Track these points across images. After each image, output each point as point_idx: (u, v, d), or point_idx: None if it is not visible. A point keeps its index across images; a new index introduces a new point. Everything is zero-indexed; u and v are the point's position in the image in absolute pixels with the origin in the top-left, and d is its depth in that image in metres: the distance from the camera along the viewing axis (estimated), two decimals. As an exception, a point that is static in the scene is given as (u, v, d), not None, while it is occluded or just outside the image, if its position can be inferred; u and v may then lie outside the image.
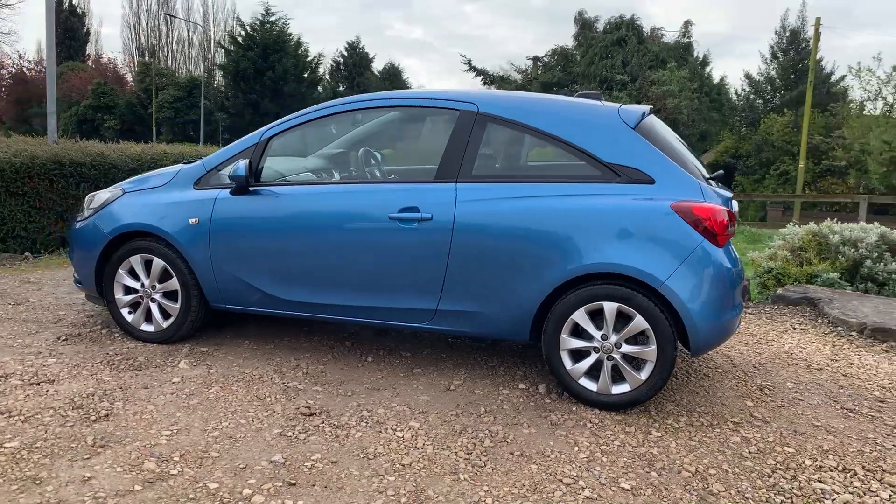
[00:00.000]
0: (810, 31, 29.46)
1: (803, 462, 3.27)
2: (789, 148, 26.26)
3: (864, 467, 3.24)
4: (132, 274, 4.44)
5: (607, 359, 3.65)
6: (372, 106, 4.27)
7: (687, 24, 32.49)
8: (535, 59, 36.02)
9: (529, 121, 3.85)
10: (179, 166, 4.55)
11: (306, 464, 3.02)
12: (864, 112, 26.23)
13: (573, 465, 3.12)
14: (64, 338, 4.52)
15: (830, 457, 3.33)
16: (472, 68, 38.21)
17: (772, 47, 29.41)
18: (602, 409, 3.70)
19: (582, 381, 3.72)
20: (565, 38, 62.36)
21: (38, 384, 3.71)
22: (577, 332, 3.70)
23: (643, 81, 28.58)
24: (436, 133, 4.24)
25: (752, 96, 29.19)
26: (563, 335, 3.70)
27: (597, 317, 3.66)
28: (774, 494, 2.97)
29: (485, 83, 38.81)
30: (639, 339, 3.62)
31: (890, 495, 3.00)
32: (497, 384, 4.01)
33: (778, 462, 3.26)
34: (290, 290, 4.13)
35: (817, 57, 26.16)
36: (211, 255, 4.20)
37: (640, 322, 3.56)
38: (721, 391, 4.10)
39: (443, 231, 3.78)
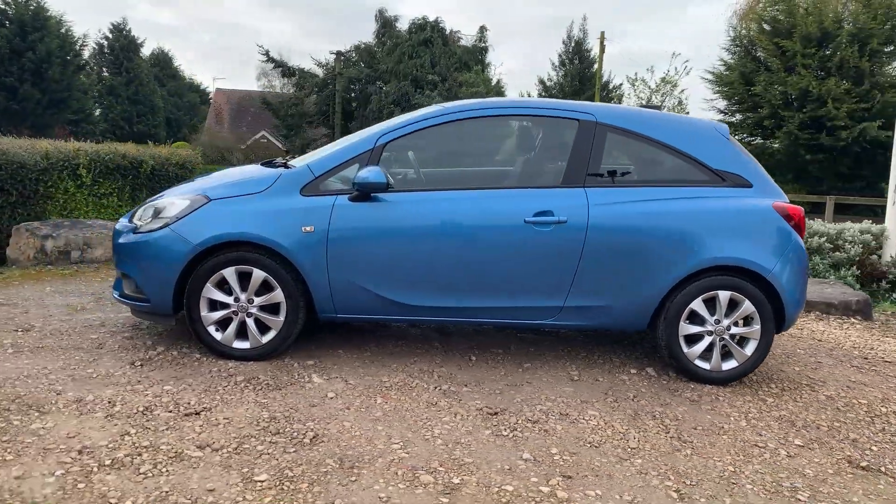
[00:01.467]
0: (590, 42, 33.06)
1: (876, 408, 4.11)
2: (582, 147, 29.40)
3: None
4: (221, 288, 4.10)
5: (719, 340, 4.22)
6: (494, 114, 4.40)
7: (482, 29, 34.60)
8: (339, 53, 35.95)
9: (645, 131, 4.29)
10: (277, 171, 4.27)
11: (554, 458, 3.19)
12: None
13: (749, 431, 3.64)
14: (139, 363, 4.04)
15: (883, 403, 4.23)
16: (270, 59, 37.08)
17: (560, 55, 32.54)
18: (713, 384, 4.26)
19: (696, 362, 4.25)
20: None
21: (197, 414, 3.37)
22: (693, 318, 4.22)
23: (452, 82, 29.98)
24: (553, 141, 4.48)
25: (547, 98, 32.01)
26: (682, 322, 4.20)
27: (709, 304, 4.21)
28: (888, 435, 3.75)
29: (285, 75, 37.94)
30: (746, 320, 4.24)
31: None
32: (611, 371, 4.40)
33: (865, 410, 4.07)
34: (416, 296, 4.14)
35: (597, 66, 29.49)
36: (328, 264, 4.05)
37: (748, 307, 4.18)
38: (769, 365, 4.86)
39: (577, 233, 4.08)
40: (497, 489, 2.88)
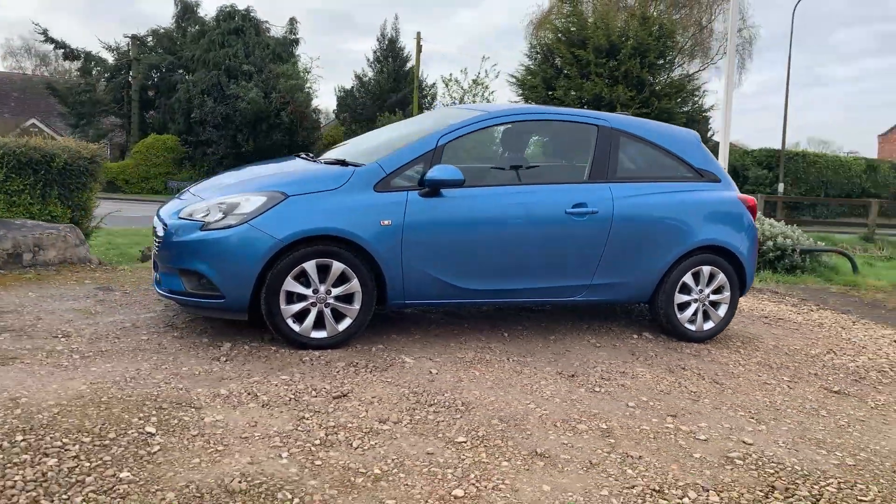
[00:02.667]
0: (403, 41, 34.10)
1: (810, 352, 5.40)
2: (400, 142, 30.40)
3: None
4: (298, 280, 4.27)
5: (702, 306, 5.24)
6: (533, 119, 4.99)
7: (293, 21, 34.15)
8: (134, 37, 33.34)
9: (646, 136, 5.16)
10: (348, 168, 4.47)
11: (650, 404, 3.93)
12: (449, 114, 31.81)
13: (752, 374, 4.67)
14: (223, 358, 4.08)
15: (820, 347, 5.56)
16: (50, 39, 33.35)
17: (375, 52, 33.17)
18: (697, 342, 5.26)
19: (686, 325, 5.23)
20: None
21: (344, 395, 3.61)
22: (683, 289, 5.19)
23: (269, 74, 29.32)
24: (579, 143, 5.15)
25: (364, 96, 32.46)
26: (676, 293, 5.15)
27: (695, 277, 5.20)
28: (831, 369, 5.01)
29: (67, 58, 34.35)
30: (718, 289, 5.29)
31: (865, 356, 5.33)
32: (620, 338, 5.22)
33: (804, 354, 5.33)
34: (474, 281, 4.63)
35: (413, 65, 30.66)
36: (402, 255, 4.39)
37: (722, 278, 5.25)
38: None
39: (605, 221, 4.84)
40: (637, 429, 3.54)
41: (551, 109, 5.19)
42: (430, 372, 4.09)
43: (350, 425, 3.28)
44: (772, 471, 3.20)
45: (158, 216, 4.65)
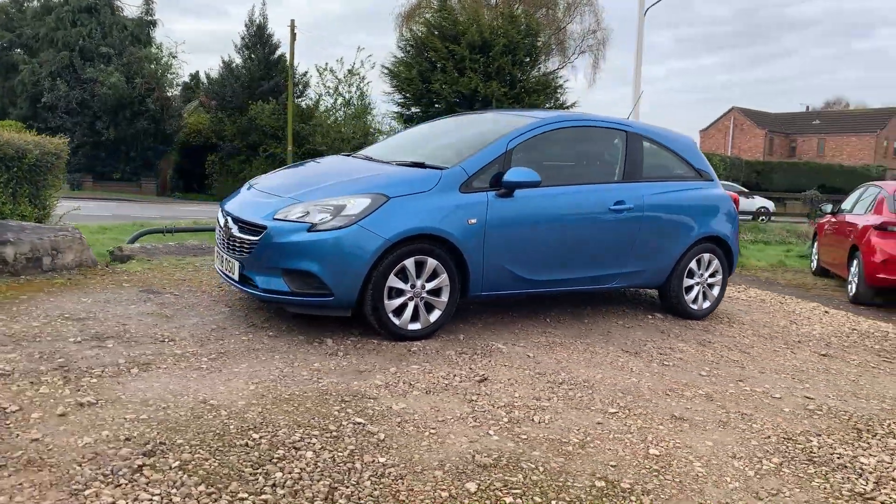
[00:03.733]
0: (272, 28, 33.12)
1: (785, 327, 6.43)
2: (275, 132, 29.60)
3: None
4: (399, 276, 4.53)
5: (701, 288, 6.08)
6: (579, 125, 5.50)
7: (149, 0, 32.12)
8: (-39, 11, 29.81)
9: (661, 140, 5.88)
10: (436, 171, 4.75)
11: (713, 373, 4.64)
12: (322, 103, 31.52)
13: (762, 345, 5.55)
14: (340, 353, 4.27)
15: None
16: None
17: (243, 38, 31.95)
18: (698, 319, 6.09)
19: (691, 305, 6.05)
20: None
21: (486, 379, 3.97)
22: (689, 274, 6.00)
23: (131, 58, 27.44)
24: (611, 146, 5.72)
25: (234, 84, 31.19)
26: (685, 277, 5.95)
27: (698, 262, 6.03)
28: (811, 339, 6.05)
29: None
30: (713, 272, 6.15)
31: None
32: (638, 319, 5.92)
33: (782, 327, 6.35)
34: (539, 272, 5.11)
35: (287, 52, 30.01)
36: (484, 251, 4.78)
37: (717, 263, 6.11)
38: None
39: (637, 216, 5.51)
40: (728, 393, 4.23)
41: (590, 116, 5.76)
42: (528, 356, 4.54)
43: (517, 404, 3.67)
44: (845, 417, 4.01)
45: (232, 214, 4.69)
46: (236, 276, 4.61)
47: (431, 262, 4.60)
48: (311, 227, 4.35)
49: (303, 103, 31.86)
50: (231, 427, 3.07)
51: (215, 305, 5.03)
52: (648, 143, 5.82)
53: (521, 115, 5.66)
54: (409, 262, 4.53)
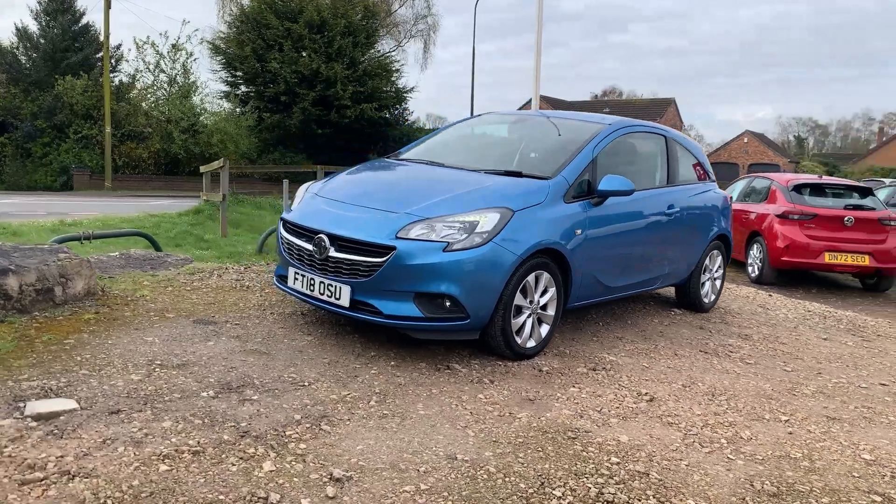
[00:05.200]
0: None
1: (779, 314, 7.09)
2: (88, 112, 26.26)
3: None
4: (522, 293, 4.34)
5: (711, 283, 6.50)
6: (640, 130, 5.55)
7: None
8: None
9: (685, 143, 6.14)
10: (545, 181, 4.53)
11: (787, 366, 5.02)
12: (140, 80, 28.63)
13: (785, 333, 6.08)
14: (487, 380, 4.01)
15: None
16: None
17: (40, 2, 27.75)
18: (706, 311, 6.51)
19: (704, 299, 6.44)
20: None
21: (652, 399, 3.95)
22: (705, 270, 6.37)
23: None
24: (657, 151, 5.80)
25: (32, 55, 27.02)
26: (702, 273, 6.32)
27: (709, 259, 6.43)
28: (805, 328, 6.74)
29: None
30: (718, 268, 6.59)
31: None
32: (667, 317, 6.19)
33: (778, 315, 6.98)
34: (617, 279, 5.15)
35: (95, 21, 26.73)
36: (584, 261, 4.72)
37: (720, 258, 6.56)
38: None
39: (678, 220, 5.74)
40: (831, 386, 4.59)
41: (639, 121, 5.83)
42: (644, 366, 4.58)
43: (709, 422, 3.70)
44: (931, 399, 4.54)
45: (326, 231, 4.18)
46: (345, 302, 4.11)
47: (545, 277, 4.44)
48: (447, 247, 4.00)
49: (117, 79, 28.68)
50: (500, 480, 2.77)
51: (294, 334, 4.45)
52: (679, 147, 6.06)
53: (582, 119, 5.61)
54: (531, 278, 4.34)
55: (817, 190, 10.21)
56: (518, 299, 4.28)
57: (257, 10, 28.40)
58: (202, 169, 14.44)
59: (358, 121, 28.25)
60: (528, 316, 4.40)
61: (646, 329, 5.60)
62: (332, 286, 4.17)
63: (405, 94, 31.62)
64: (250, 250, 9.30)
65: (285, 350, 4.13)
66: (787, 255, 9.74)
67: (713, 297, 6.57)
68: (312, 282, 4.27)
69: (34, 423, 2.88)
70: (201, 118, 27.57)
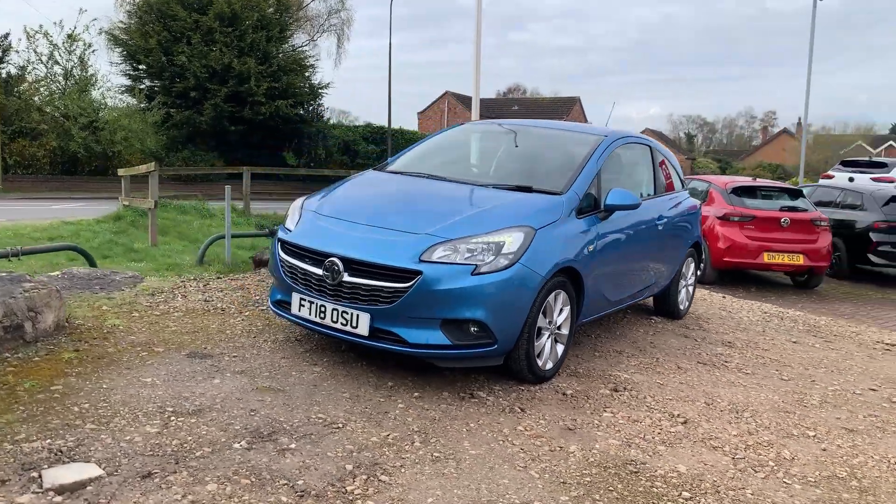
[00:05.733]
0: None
1: (749, 318, 7.27)
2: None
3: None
4: (543, 313, 4.19)
5: (685, 289, 6.58)
6: (634, 142, 5.48)
7: None
8: None
9: (665, 154, 6.16)
10: (558, 197, 4.37)
11: (808, 371, 5.13)
12: (31, 72, 26.52)
13: (757, 337, 6.23)
14: (519, 408, 3.83)
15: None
16: None
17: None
18: (681, 318, 6.59)
19: (680, 306, 6.51)
20: None
21: (686, 422, 3.90)
22: (682, 277, 6.44)
23: None
24: (642, 162, 5.75)
25: None
26: (680, 280, 6.39)
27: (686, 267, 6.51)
28: (783, 330, 6.94)
29: None
30: (692, 275, 6.69)
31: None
32: (647, 327, 6.21)
33: (751, 318, 7.16)
34: (616, 292, 5.09)
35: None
36: (594, 277, 4.62)
37: (693, 265, 6.66)
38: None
39: (666, 229, 5.76)
40: (828, 395, 4.70)
41: (629, 132, 5.78)
42: (658, 382, 4.53)
43: (749, 444, 3.68)
44: (921, 404, 4.73)
45: (339, 255, 3.88)
46: (364, 331, 3.82)
47: (562, 296, 4.31)
48: (475, 270, 3.78)
49: (4, 71, 26.41)
50: (617, 534, 2.62)
51: (299, 364, 4.11)
52: (661, 157, 6.08)
53: (575, 130, 5.51)
54: (551, 298, 4.20)
55: (753, 192, 10.62)
56: (540, 320, 4.12)
57: (162, 1, 26.88)
58: (122, 172, 13.47)
59: (273, 117, 27.28)
60: (548, 337, 4.26)
61: (637, 340, 5.58)
62: (347, 314, 3.87)
63: (320, 91, 30.84)
64: (189, 261, 8.73)
65: (298, 385, 3.80)
66: (729, 255, 10.07)
67: (687, 303, 6.66)
68: (323, 309, 3.95)
69: (59, 498, 2.47)
70: (101, 114, 25.81)
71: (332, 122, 33.47)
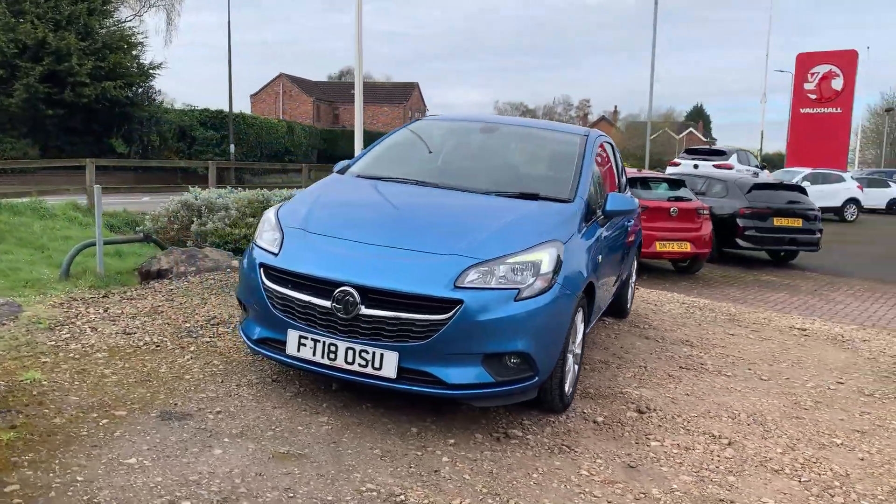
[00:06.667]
0: None
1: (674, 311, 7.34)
2: None
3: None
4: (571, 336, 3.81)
5: (631, 287, 6.51)
6: (606, 141, 5.14)
7: None
8: None
9: (617, 151, 5.97)
10: (570, 206, 3.96)
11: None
12: None
13: (717, 331, 6.29)
14: (567, 447, 3.44)
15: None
16: None
17: None
18: (625, 317, 6.52)
19: (628, 306, 6.42)
20: None
21: (730, 444, 3.71)
22: (630, 277, 6.34)
23: None
24: (608, 162, 5.43)
25: None
26: (629, 279, 6.28)
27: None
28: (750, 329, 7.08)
29: None
30: (635, 269, 6.63)
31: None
32: (605, 328, 6.05)
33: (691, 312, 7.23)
34: (605, 298, 4.85)
35: None
36: (598, 287, 4.31)
37: (635, 263, 6.61)
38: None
39: (629, 227, 5.61)
40: (809, 393, 4.77)
41: (599, 131, 5.47)
42: (670, 397, 4.33)
43: (814, 471, 3.55)
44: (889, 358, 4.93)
45: (353, 283, 3.25)
46: (390, 373, 3.22)
47: (580, 314, 3.96)
48: (518, 295, 3.31)
49: None
50: None
51: (300, 416, 3.42)
52: (618, 154, 5.89)
53: (553, 128, 5.12)
54: (578, 318, 3.83)
55: (644, 183, 10.93)
56: (569, 344, 3.74)
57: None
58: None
59: (99, 100, 24.46)
60: (572, 360, 3.89)
61: (607, 346, 5.39)
62: (366, 353, 3.24)
63: (151, 71, 28.12)
64: (49, 275, 7.34)
65: (315, 444, 3.13)
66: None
67: (631, 301, 6.60)
68: (333, 348, 3.29)
69: None
70: None
71: (164, 105, 30.70)
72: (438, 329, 3.18)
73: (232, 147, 29.74)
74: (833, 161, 27.75)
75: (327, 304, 3.27)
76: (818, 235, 12.14)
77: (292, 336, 3.37)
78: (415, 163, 4.69)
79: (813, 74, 29.61)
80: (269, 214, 3.90)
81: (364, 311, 3.22)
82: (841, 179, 24.22)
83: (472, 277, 3.30)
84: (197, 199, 8.20)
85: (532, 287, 3.36)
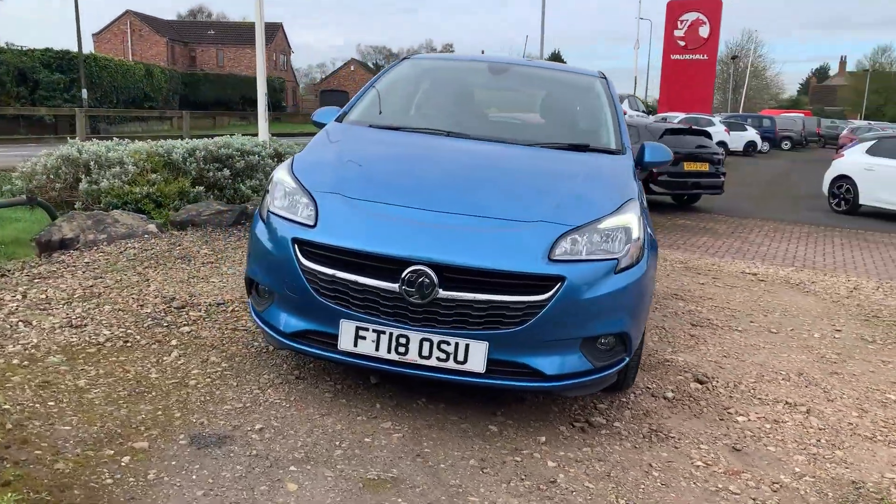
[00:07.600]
0: None
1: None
2: None
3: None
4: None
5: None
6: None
7: None
8: None
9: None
10: (625, 158, 3.48)
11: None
12: None
13: (721, 287, 6.14)
14: (653, 435, 3.06)
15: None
16: None
17: None
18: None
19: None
20: None
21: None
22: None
23: None
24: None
25: None
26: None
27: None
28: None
29: None
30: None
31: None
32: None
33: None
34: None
35: None
36: (640, 249, 3.94)
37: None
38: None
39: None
40: (811, 339, 4.71)
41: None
42: (726, 357, 4.07)
43: (868, 406, 3.39)
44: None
45: (425, 260, 2.65)
46: (478, 367, 2.67)
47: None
48: (618, 266, 2.84)
49: None
50: None
51: (361, 424, 2.80)
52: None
53: (564, 69, 4.57)
54: (639, 286, 3.42)
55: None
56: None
57: None
58: None
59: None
60: (630, 336, 3.49)
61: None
62: (447, 344, 2.66)
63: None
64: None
65: (401, 463, 2.55)
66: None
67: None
68: (404, 341, 2.68)
69: None
70: None
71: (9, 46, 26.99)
72: (537, 312, 2.65)
73: (84, 92, 26.69)
74: (701, 106, 29.17)
75: (395, 287, 2.64)
76: (722, 179, 12.57)
77: (347, 328, 2.71)
78: (432, 110, 4.02)
79: (682, 21, 30.73)
80: (284, 176, 3.13)
81: (443, 293, 2.63)
82: (710, 124, 25.50)
83: (565, 248, 2.78)
84: (82, 154, 6.95)
85: (629, 256, 2.89)
